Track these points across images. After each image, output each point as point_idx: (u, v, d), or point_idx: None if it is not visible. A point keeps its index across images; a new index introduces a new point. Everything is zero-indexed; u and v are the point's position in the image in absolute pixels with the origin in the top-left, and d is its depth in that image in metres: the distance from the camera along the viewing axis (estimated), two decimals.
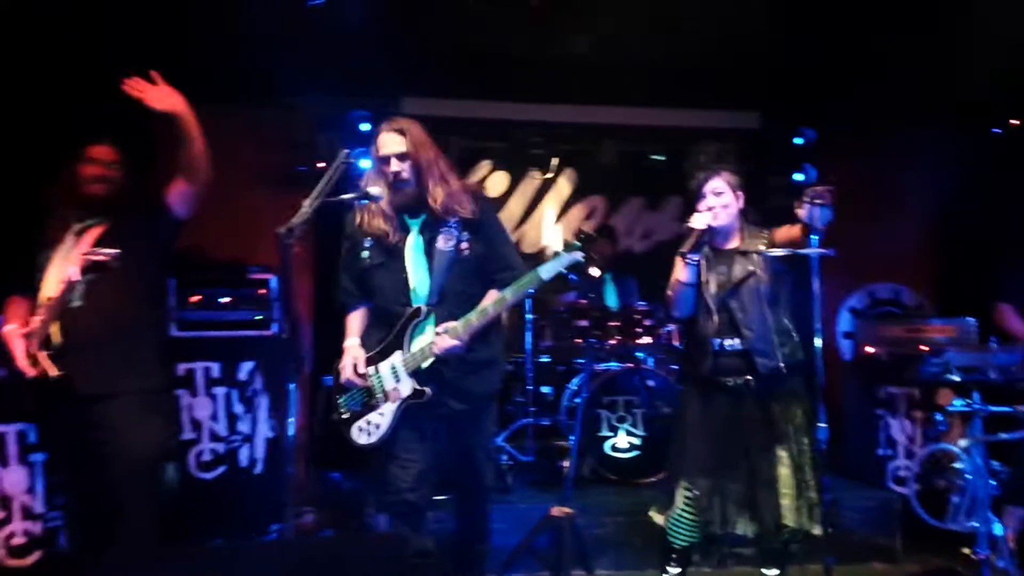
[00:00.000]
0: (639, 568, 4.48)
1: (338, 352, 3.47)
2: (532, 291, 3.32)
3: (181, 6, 4.82)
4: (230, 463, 4.68)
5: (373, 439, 3.28)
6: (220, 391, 4.70)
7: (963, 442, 3.28)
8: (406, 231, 3.34)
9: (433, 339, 3.19)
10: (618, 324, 5.44)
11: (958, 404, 3.42)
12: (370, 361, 3.34)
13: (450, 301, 3.26)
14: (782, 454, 3.31)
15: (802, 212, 3.21)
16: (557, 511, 4.23)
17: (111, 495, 3.38)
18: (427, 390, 3.23)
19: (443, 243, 3.26)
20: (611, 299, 6.20)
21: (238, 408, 4.70)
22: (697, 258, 3.34)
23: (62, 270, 3.35)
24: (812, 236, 3.22)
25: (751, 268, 3.38)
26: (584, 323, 5.48)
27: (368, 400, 3.32)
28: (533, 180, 7.09)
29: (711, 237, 3.40)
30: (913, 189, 6.89)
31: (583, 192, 7.19)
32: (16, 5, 4.39)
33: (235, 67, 5.47)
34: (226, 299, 4.80)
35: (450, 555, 3.66)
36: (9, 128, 4.72)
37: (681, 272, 3.36)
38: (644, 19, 5.13)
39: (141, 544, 3.35)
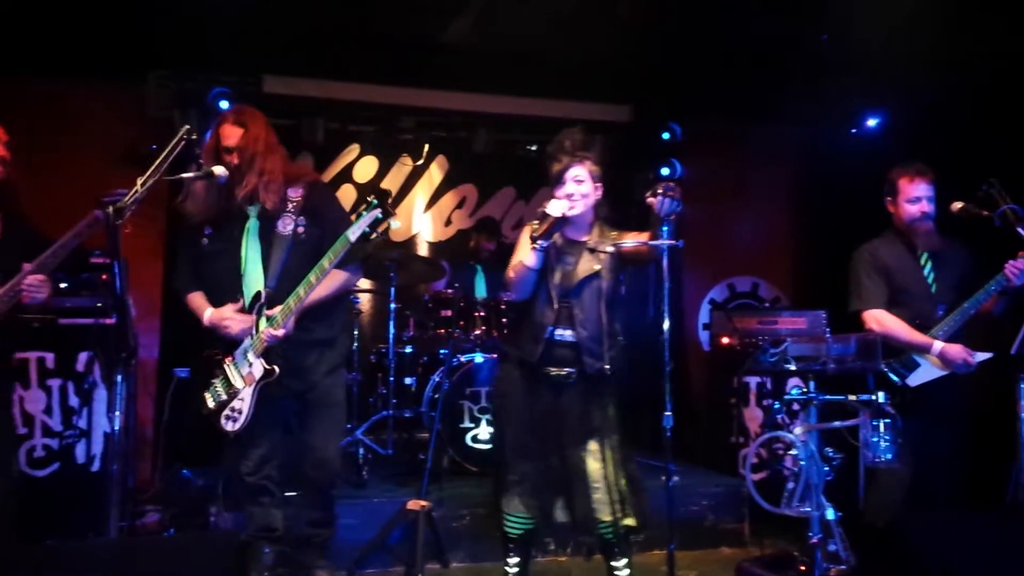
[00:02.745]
0: (496, 560, 4.44)
1: (190, 341, 3.61)
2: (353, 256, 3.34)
3: None
4: (65, 460, 4.43)
5: (239, 425, 3.37)
6: (55, 383, 4.44)
7: (798, 429, 3.37)
8: (244, 218, 3.47)
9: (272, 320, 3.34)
10: (483, 315, 5.41)
11: (794, 392, 3.52)
12: (226, 351, 3.46)
13: (289, 284, 3.35)
14: (593, 448, 3.31)
15: (654, 202, 3.18)
16: (413, 504, 4.15)
17: None
18: (276, 368, 3.34)
19: (282, 227, 3.43)
20: (480, 289, 6.18)
21: (74, 401, 4.44)
22: (547, 245, 3.26)
23: None
24: (662, 227, 3.18)
25: (596, 267, 3.34)
26: (448, 313, 5.43)
27: (228, 388, 3.41)
28: (403, 166, 6.97)
29: (564, 226, 3.34)
30: (774, 185, 7.13)
31: (454, 180, 7.12)
32: None
33: (87, 35, 5.16)
34: (64, 285, 4.50)
35: (293, 538, 3.67)
36: None
37: (528, 256, 3.27)
38: (521, 7, 5.08)
39: None
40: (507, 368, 3.50)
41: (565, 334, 3.32)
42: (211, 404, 3.45)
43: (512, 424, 3.39)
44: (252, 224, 3.47)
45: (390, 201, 3.18)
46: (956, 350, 3.72)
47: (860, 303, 3.92)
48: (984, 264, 3.87)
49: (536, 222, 3.26)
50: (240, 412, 3.37)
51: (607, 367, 3.32)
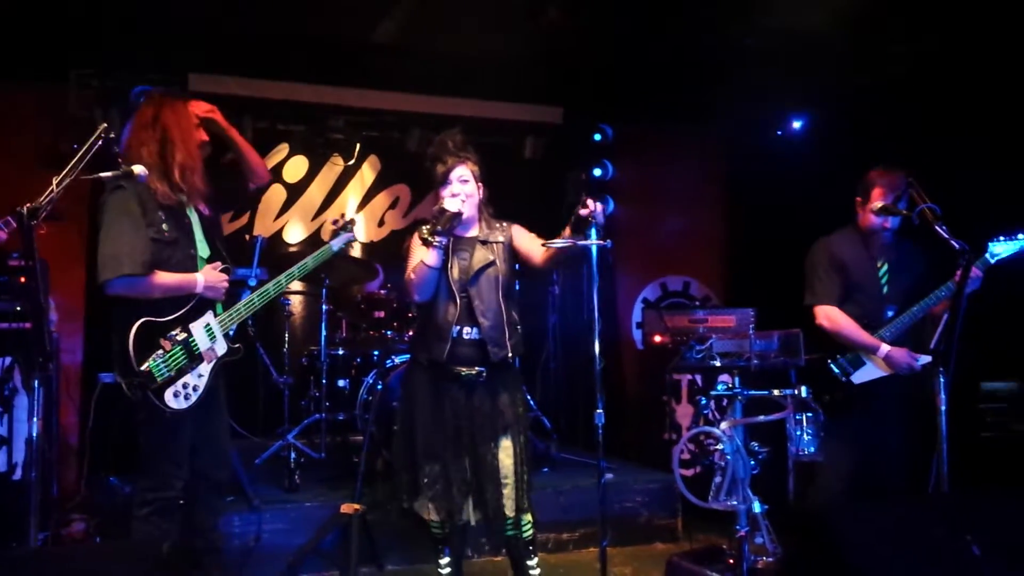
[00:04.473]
0: (431, 562, 4.43)
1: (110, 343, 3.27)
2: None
3: None
4: None
5: (191, 402, 3.20)
6: None
7: (724, 424, 3.43)
8: (183, 205, 3.36)
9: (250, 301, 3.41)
10: (416, 316, 5.38)
11: (720, 388, 3.59)
12: (179, 322, 3.21)
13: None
14: (506, 444, 3.37)
15: (587, 212, 3.19)
16: (347, 508, 4.12)
17: None
18: (240, 347, 3.39)
19: (210, 213, 3.49)
20: None
21: None
22: (445, 241, 3.31)
23: None
24: (592, 229, 3.21)
25: (491, 257, 3.42)
26: (381, 315, 5.39)
27: (183, 363, 3.19)
28: (335, 166, 6.90)
29: (459, 222, 3.37)
30: (705, 186, 7.25)
31: (387, 180, 7.07)
32: None
33: (4, 31, 4.99)
34: None
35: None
36: None
37: (428, 255, 3.30)
38: (452, 8, 5.07)
39: None
40: (415, 371, 3.53)
41: (471, 332, 3.37)
42: (158, 379, 3.12)
43: (422, 426, 3.40)
44: (191, 210, 3.38)
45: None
46: (901, 354, 3.78)
47: (814, 298, 3.95)
48: (939, 266, 3.92)
49: (427, 226, 3.28)
50: (196, 389, 3.21)
51: (509, 355, 3.39)
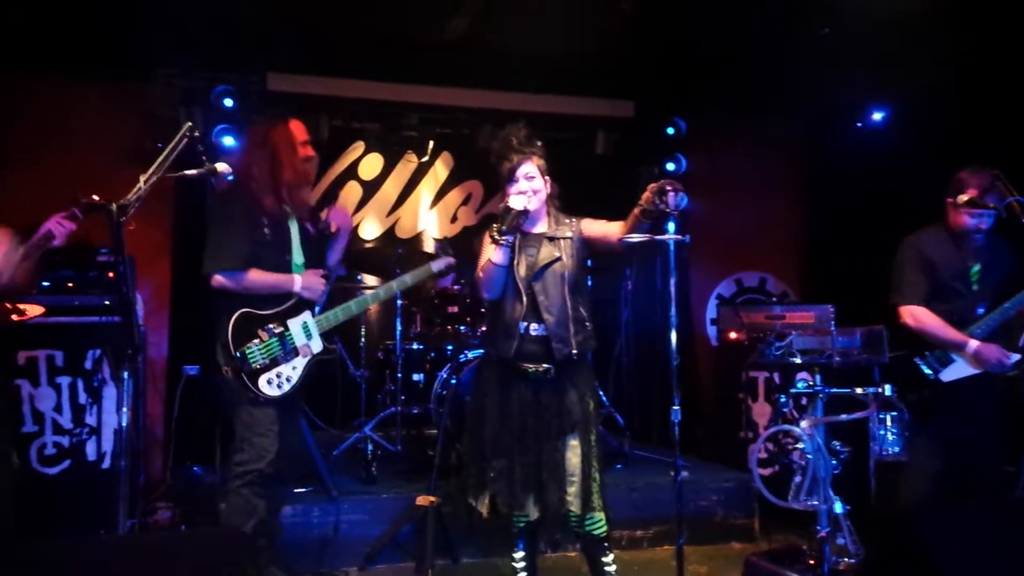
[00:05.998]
0: (505, 555, 4.45)
1: (199, 338, 3.78)
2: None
3: None
4: (75, 457, 4.45)
5: (284, 391, 3.46)
6: (64, 380, 4.46)
7: (805, 423, 3.36)
8: (286, 216, 3.65)
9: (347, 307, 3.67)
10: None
11: (800, 386, 3.52)
12: (277, 318, 3.50)
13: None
14: (574, 443, 3.33)
15: (668, 199, 3.12)
16: (422, 500, 4.17)
17: None
18: (336, 348, 3.68)
19: (310, 228, 3.79)
20: None
21: (84, 399, 4.46)
22: (511, 239, 3.29)
23: None
24: (669, 223, 3.17)
25: (557, 254, 3.38)
26: (455, 310, 5.43)
27: (279, 353, 3.48)
28: (408, 163, 6.97)
29: (525, 220, 3.34)
30: (781, 179, 7.10)
31: (460, 177, 7.11)
32: None
33: (91, 33, 5.18)
34: (72, 283, 4.54)
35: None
36: None
37: (495, 253, 3.30)
38: (522, 3, 5.07)
39: None
40: (486, 366, 3.54)
41: (537, 328, 3.34)
42: (255, 365, 3.40)
43: (490, 422, 3.40)
44: (293, 222, 3.66)
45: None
46: (991, 350, 3.68)
47: (899, 297, 3.84)
48: None
49: (496, 224, 3.26)
50: (288, 380, 3.46)
51: (574, 352, 3.33)
